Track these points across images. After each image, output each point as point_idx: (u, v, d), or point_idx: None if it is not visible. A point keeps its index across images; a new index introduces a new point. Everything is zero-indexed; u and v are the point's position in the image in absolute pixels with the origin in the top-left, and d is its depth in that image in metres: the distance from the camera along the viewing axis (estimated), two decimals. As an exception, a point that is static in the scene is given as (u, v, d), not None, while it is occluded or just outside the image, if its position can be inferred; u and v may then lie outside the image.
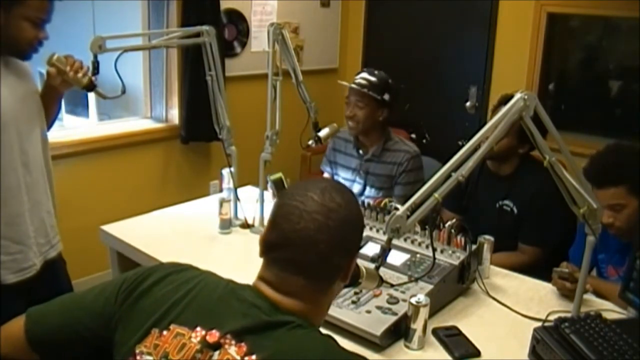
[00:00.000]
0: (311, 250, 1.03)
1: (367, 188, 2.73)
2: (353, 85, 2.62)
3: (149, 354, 1.01)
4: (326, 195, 1.06)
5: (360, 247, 1.87)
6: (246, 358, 0.96)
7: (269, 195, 2.45)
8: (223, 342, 0.99)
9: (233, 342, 0.98)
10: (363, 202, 2.08)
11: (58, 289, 1.88)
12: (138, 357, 1.02)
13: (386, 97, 2.62)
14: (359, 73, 2.70)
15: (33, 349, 1.13)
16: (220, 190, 2.68)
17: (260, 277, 1.08)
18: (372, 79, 2.63)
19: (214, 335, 1.00)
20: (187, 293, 1.08)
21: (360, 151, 2.75)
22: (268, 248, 1.07)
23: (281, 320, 1.01)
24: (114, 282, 1.15)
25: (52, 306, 1.17)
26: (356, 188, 2.75)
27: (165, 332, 1.03)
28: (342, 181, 2.81)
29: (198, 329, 1.01)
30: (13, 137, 1.68)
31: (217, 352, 0.98)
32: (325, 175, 2.93)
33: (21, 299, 1.71)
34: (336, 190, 1.09)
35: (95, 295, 1.15)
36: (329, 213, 1.04)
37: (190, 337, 1.01)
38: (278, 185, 2.45)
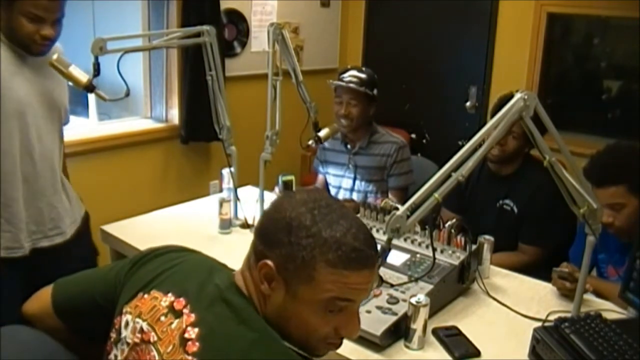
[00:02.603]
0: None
1: (357, 182, 2.75)
2: (351, 85, 2.62)
3: (130, 313, 1.09)
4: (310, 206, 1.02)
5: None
6: (189, 328, 1.00)
7: (269, 195, 2.45)
8: (184, 311, 1.04)
9: (191, 313, 1.03)
10: (364, 202, 2.08)
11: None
12: (122, 316, 1.10)
13: (375, 92, 2.66)
14: (343, 72, 2.71)
15: (57, 315, 1.23)
16: (220, 190, 2.68)
17: None
18: (363, 76, 2.66)
19: (180, 303, 1.05)
20: (174, 265, 1.15)
21: (348, 146, 2.78)
22: None
23: (231, 299, 1.03)
24: (127, 258, 1.26)
25: (75, 277, 1.29)
26: (347, 183, 2.78)
27: (146, 296, 1.10)
28: (332, 177, 2.85)
29: (169, 294, 1.08)
30: (15, 126, 1.74)
31: (177, 320, 1.03)
32: (319, 176, 2.95)
33: (16, 277, 1.81)
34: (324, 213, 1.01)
35: (111, 267, 1.26)
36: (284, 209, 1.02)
37: (160, 301, 1.07)
38: (286, 187, 2.47)
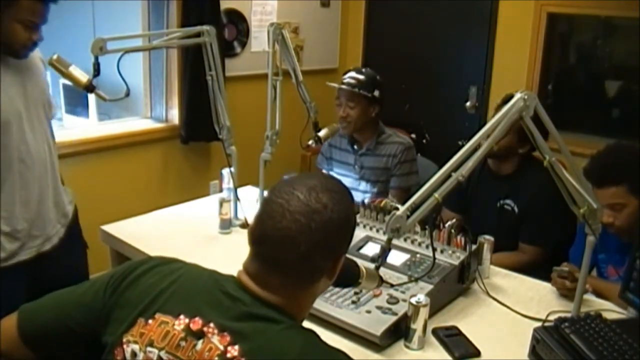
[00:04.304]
0: (291, 251, 1.02)
1: (362, 182, 2.75)
2: (343, 86, 2.62)
3: (135, 342, 1.03)
4: (312, 195, 1.04)
5: (360, 248, 1.89)
6: (229, 348, 0.97)
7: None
8: (206, 330, 1.00)
9: (216, 331, 1.00)
10: (363, 202, 2.08)
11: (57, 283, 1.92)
12: (125, 346, 1.04)
13: (376, 93, 2.64)
14: (346, 73, 2.71)
15: (26, 346, 1.14)
16: (220, 190, 2.68)
17: (245, 268, 1.09)
18: (361, 77, 2.65)
19: (197, 323, 1.01)
20: (172, 283, 1.10)
21: (355, 146, 2.77)
22: (252, 241, 1.08)
23: (261, 313, 1.02)
24: (103, 277, 1.17)
25: (43, 302, 1.19)
26: (351, 183, 2.77)
27: (150, 321, 1.05)
28: (336, 176, 2.82)
29: (181, 317, 1.03)
30: (4, 133, 1.69)
31: (200, 341, 0.99)
32: (323, 172, 2.94)
33: (15, 282, 1.78)
34: (325, 189, 1.06)
35: (85, 289, 1.17)
36: (312, 214, 1.02)
37: (173, 325, 1.02)
38: None
